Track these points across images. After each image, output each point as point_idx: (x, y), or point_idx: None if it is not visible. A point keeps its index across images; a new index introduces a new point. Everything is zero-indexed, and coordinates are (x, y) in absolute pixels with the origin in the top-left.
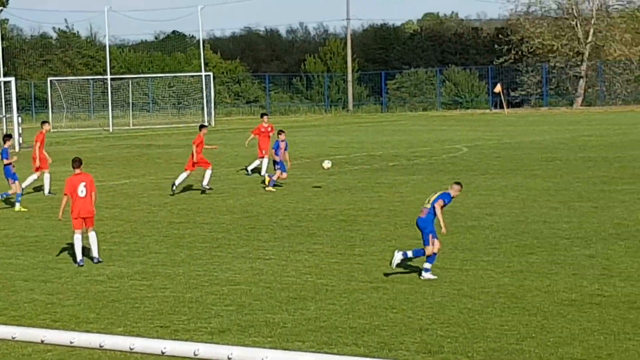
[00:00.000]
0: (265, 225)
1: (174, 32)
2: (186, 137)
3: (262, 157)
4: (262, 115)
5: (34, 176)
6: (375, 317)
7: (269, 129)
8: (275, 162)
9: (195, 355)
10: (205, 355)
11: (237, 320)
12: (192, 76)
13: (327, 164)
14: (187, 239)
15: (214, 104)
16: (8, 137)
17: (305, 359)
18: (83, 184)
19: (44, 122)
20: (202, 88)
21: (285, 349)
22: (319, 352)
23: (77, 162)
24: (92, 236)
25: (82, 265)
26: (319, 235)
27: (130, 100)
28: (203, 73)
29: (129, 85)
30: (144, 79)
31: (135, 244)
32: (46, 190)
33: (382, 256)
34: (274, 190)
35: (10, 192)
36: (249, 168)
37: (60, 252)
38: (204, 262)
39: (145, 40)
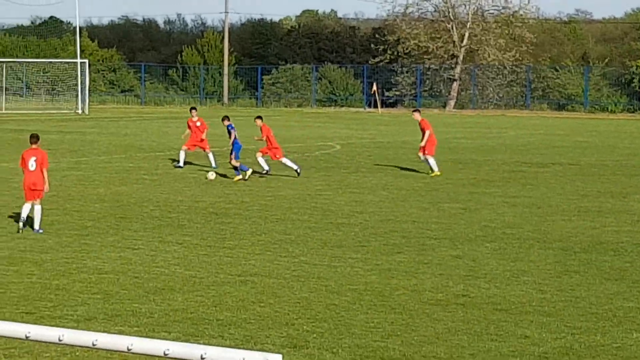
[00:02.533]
0: (135, 215)
1: (51, 17)
2: (59, 123)
3: (188, 150)
4: (191, 109)
5: None
6: (243, 310)
7: (197, 123)
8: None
9: (59, 341)
10: (70, 342)
11: (104, 308)
12: (68, 63)
13: (211, 175)
14: (56, 225)
15: (89, 92)
16: None
17: (167, 347)
18: (34, 158)
19: None
20: (77, 75)
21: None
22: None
23: (34, 138)
24: (37, 209)
25: (20, 232)
26: (189, 227)
27: (4, 85)
28: (78, 60)
29: (2, 69)
30: (19, 63)
31: (3, 229)
32: None
33: (251, 250)
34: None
35: None
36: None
37: None
38: (72, 250)
39: (22, 25)
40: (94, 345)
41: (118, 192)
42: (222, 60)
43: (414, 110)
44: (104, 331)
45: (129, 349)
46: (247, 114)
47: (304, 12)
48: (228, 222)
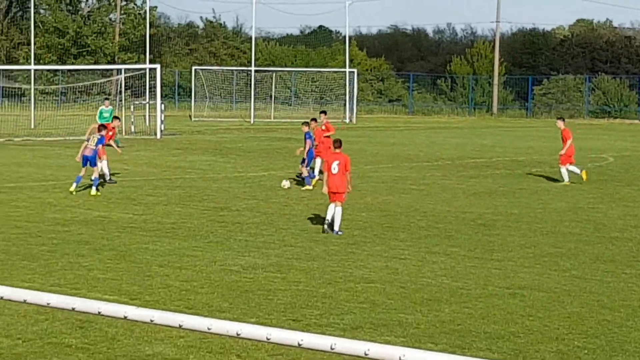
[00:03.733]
0: (402, 225)
1: (320, 27)
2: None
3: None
4: (321, 113)
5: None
6: (511, 323)
7: (323, 127)
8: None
9: (331, 349)
10: (341, 350)
11: (370, 318)
12: (336, 72)
13: (285, 183)
14: (324, 234)
15: (357, 101)
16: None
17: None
18: (337, 162)
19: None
20: (345, 84)
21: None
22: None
23: (337, 143)
24: (337, 211)
25: (324, 233)
26: (456, 237)
27: (273, 93)
28: (347, 69)
29: (272, 78)
30: (288, 72)
31: (271, 236)
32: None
33: (520, 262)
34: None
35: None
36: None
37: (196, 239)
38: (339, 258)
39: (291, 34)
40: (365, 354)
41: (385, 201)
42: (492, 70)
43: (558, 118)
44: (371, 340)
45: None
46: (516, 124)
47: (577, 21)
48: (496, 233)
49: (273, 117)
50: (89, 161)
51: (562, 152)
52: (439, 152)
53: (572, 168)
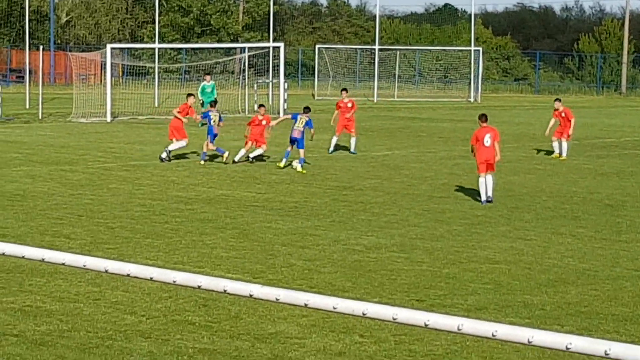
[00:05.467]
0: (527, 206)
1: (445, 5)
2: (451, 111)
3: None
4: (342, 90)
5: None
6: None
7: (349, 104)
8: None
9: (458, 330)
10: (468, 331)
11: (495, 299)
12: (461, 50)
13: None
14: (447, 214)
15: (482, 80)
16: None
17: (571, 341)
18: (489, 135)
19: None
20: (470, 63)
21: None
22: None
23: (483, 117)
24: (489, 179)
25: (487, 202)
26: (583, 218)
27: (397, 72)
28: (472, 48)
29: (396, 56)
30: (412, 51)
31: (394, 216)
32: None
33: None
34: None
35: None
36: (330, 150)
37: (319, 218)
38: (463, 239)
39: (415, 12)
40: (493, 336)
41: (510, 181)
42: (621, 49)
43: (556, 100)
44: (496, 321)
45: (529, 342)
46: None
47: None
48: (624, 214)
49: (396, 96)
50: (297, 142)
51: (571, 131)
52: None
53: (555, 145)
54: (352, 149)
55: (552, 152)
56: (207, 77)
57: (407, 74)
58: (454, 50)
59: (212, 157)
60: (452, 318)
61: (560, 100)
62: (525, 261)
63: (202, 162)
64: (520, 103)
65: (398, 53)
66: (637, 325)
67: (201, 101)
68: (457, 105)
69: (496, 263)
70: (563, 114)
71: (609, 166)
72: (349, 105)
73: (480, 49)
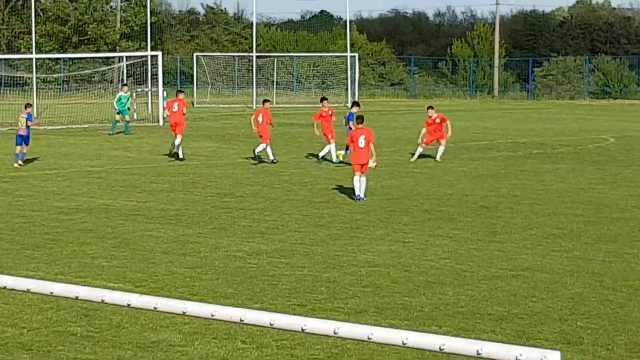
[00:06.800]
0: (405, 209)
1: (321, 11)
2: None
3: (329, 142)
4: (322, 99)
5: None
6: (514, 305)
7: (330, 112)
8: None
9: (335, 333)
10: (345, 334)
11: (374, 302)
12: (338, 56)
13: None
14: (327, 218)
15: (358, 85)
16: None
17: (443, 342)
18: (363, 136)
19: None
20: (346, 69)
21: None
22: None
23: (360, 119)
24: (363, 181)
25: (359, 200)
26: (459, 220)
27: (275, 79)
28: (348, 54)
29: (274, 63)
30: (289, 57)
31: (274, 222)
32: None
33: (523, 244)
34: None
35: None
36: (320, 155)
37: (199, 226)
38: (342, 243)
39: (292, 20)
40: (369, 338)
41: (387, 185)
42: (493, 53)
43: (429, 108)
44: (375, 324)
45: (404, 343)
46: (517, 107)
47: (577, 2)
48: (499, 215)
49: (275, 102)
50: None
51: (450, 132)
52: None
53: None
54: (321, 155)
55: (427, 155)
56: (124, 88)
57: (285, 80)
58: (331, 56)
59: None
60: (329, 322)
61: (433, 108)
62: (404, 263)
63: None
64: (396, 107)
65: (276, 60)
66: (512, 324)
67: (117, 110)
68: (335, 110)
69: (375, 266)
70: (438, 120)
71: (483, 168)
72: (330, 112)
73: (356, 54)
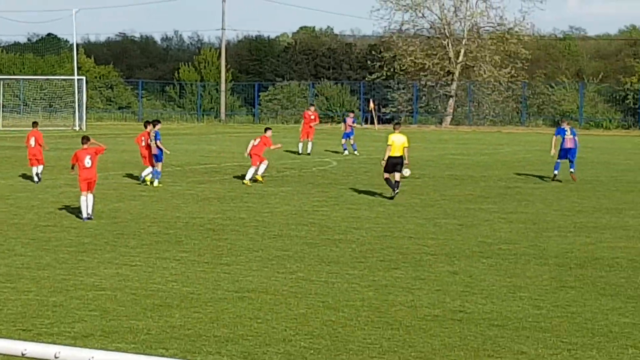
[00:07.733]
0: (132, 232)
1: (48, 34)
2: (56, 140)
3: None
4: (311, 105)
5: None
6: (240, 326)
7: (312, 116)
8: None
9: (56, 358)
10: (66, 358)
11: (101, 325)
12: (65, 79)
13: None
14: (53, 242)
15: (86, 109)
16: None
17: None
18: (89, 156)
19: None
20: (74, 92)
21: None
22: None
23: (85, 139)
24: (90, 198)
25: (88, 219)
26: (186, 243)
27: (1, 102)
28: (76, 77)
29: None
30: (16, 80)
31: (0, 246)
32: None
33: (248, 266)
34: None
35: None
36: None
37: None
38: (69, 267)
39: (18, 42)
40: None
41: (115, 208)
42: (219, 77)
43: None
44: (101, 348)
45: None
46: (244, 130)
47: (300, 28)
48: (225, 238)
49: (2, 125)
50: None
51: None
52: (169, 159)
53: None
54: (308, 151)
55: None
56: None
57: (11, 103)
58: (58, 79)
59: None
60: (49, 346)
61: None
62: (131, 287)
63: None
64: (124, 131)
65: (2, 83)
66: (238, 345)
67: None
68: (63, 134)
69: (102, 290)
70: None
71: (211, 191)
72: (312, 117)
73: (84, 78)
